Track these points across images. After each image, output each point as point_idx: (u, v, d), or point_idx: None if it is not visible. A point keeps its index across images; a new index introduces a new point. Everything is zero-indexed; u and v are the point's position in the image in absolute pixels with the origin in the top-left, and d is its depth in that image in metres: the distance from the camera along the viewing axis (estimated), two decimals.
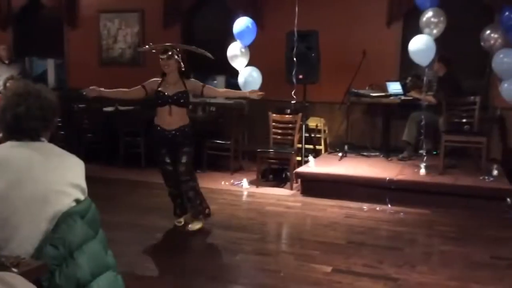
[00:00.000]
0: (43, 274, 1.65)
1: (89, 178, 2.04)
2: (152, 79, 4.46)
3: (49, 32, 9.21)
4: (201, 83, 4.53)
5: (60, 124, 6.93)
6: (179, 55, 4.38)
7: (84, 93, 4.27)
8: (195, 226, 4.51)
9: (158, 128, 4.36)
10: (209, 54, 4.60)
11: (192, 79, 4.59)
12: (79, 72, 8.93)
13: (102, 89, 4.32)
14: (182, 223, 4.61)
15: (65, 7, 8.81)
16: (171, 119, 4.30)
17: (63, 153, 1.99)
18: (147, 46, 4.66)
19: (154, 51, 4.56)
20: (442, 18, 5.54)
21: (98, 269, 1.81)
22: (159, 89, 4.34)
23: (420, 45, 5.53)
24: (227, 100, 7.30)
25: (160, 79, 4.40)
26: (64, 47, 9.11)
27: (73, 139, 7.34)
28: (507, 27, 5.53)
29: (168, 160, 4.43)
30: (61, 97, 2.09)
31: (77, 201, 1.89)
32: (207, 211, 4.60)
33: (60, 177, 1.87)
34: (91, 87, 4.27)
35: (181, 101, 4.33)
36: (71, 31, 9.01)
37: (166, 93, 4.30)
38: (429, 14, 5.56)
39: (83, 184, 1.96)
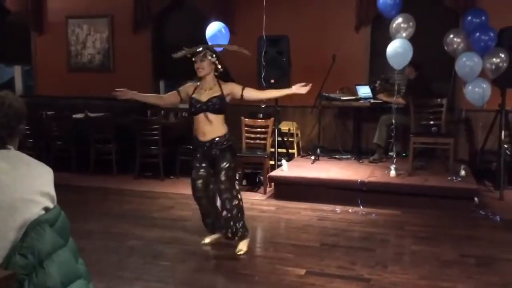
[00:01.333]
0: (12, 284, 1.62)
1: (59, 186, 2.01)
2: (189, 84, 4.14)
3: (16, 38, 9.03)
4: (241, 86, 4.05)
5: (28, 132, 6.80)
6: (214, 56, 3.98)
7: (117, 95, 4.02)
8: (243, 247, 4.10)
9: (195, 139, 4.03)
10: (246, 51, 4.29)
11: (231, 82, 4.09)
12: (47, 79, 8.80)
13: (135, 92, 4.07)
14: (208, 241, 4.28)
15: (31, 13, 8.65)
16: (206, 128, 3.95)
17: (31, 161, 1.95)
18: (182, 51, 4.13)
19: (189, 55, 4.05)
20: (411, 23, 5.66)
21: (68, 278, 1.78)
22: (193, 95, 3.99)
23: (399, 49, 5.64)
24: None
25: (197, 83, 4.05)
26: (32, 53, 8.94)
27: (42, 146, 7.20)
28: (469, 31, 5.69)
29: (203, 174, 4.07)
30: (29, 104, 2.05)
31: (46, 209, 1.86)
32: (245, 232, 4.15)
33: (28, 185, 1.84)
34: (122, 89, 4.01)
35: (216, 107, 3.92)
36: (39, 37, 8.86)
37: (199, 100, 3.94)
38: (399, 19, 5.68)
39: (52, 192, 1.92)
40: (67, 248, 1.85)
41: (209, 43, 6.35)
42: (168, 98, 4.23)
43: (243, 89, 4.04)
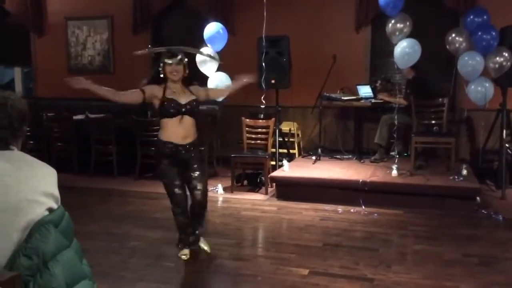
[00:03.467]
0: (17, 285, 1.61)
1: (60, 187, 1.99)
2: (152, 85, 3.81)
3: (16, 40, 9.03)
4: (203, 87, 4.20)
5: (29, 133, 6.79)
6: (186, 59, 3.84)
7: (70, 83, 3.52)
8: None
9: (169, 144, 3.76)
10: (218, 60, 4.25)
11: (195, 85, 4.02)
12: (47, 80, 8.78)
13: (90, 82, 3.59)
14: (188, 256, 3.99)
15: (31, 14, 8.65)
16: (184, 131, 3.77)
17: (35, 162, 1.95)
18: (146, 50, 4.03)
19: (153, 54, 4.01)
20: (408, 23, 5.66)
21: (73, 278, 1.77)
22: (170, 96, 3.73)
23: (407, 49, 5.63)
24: (200, 106, 7.29)
25: (162, 86, 3.78)
26: (32, 55, 8.93)
27: (43, 148, 7.19)
28: (471, 30, 5.69)
29: (179, 183, 3.86)
30: (29, 106, 2.04)
31: (50, 210, 1.85)
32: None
33: (32, 186, 1.83)
34: (77, 78, 3.57)
35: (195, 110, 3.80)
36: (38, 39, 8.85)
37: (178, 102, 3.73)
38: (394, 20, 5.67)
39: (56, 192, 1.91)
40: (71, 248, 1.83)
41: (208, 44, 6.34)
42: (129, 96, 3.75)
43: (207, 90, 4.18)
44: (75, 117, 7.24)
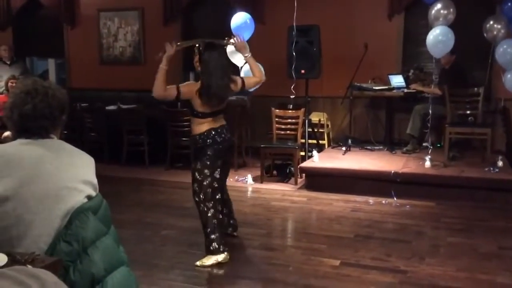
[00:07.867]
0: (58, 270, 1.64)
1: None
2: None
3: (49, 32, 9.20)
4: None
5: None
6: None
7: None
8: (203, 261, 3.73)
9: None
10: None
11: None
12: (80, 71, 8.94)
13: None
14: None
15: (64, 6, 8.79)
16: None
17: (73, 150, 1.98)
18: (184, 42, 4.10)
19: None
20: (451, 9, 5.46)
21: (112, 264, 1.80)
22: None
23: (440, 37, 5.47)
24: (230, 97, 7.29)
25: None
26: (65, 47, 9.10)
27: (76, 138, 7.32)
28: (509, 17, 5.52)
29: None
30: None
31: (89, 197, 1.88)
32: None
33: (71, 174, 1.86)
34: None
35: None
36: (71, 31, 9.00)
37: None
38: (438, 6, 5.50)
39: (94, 180, 1.95)
40: (109, 235, 1.87)
41: (234, 34, 6.30)
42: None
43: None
44: (107, 108, 7.35)
